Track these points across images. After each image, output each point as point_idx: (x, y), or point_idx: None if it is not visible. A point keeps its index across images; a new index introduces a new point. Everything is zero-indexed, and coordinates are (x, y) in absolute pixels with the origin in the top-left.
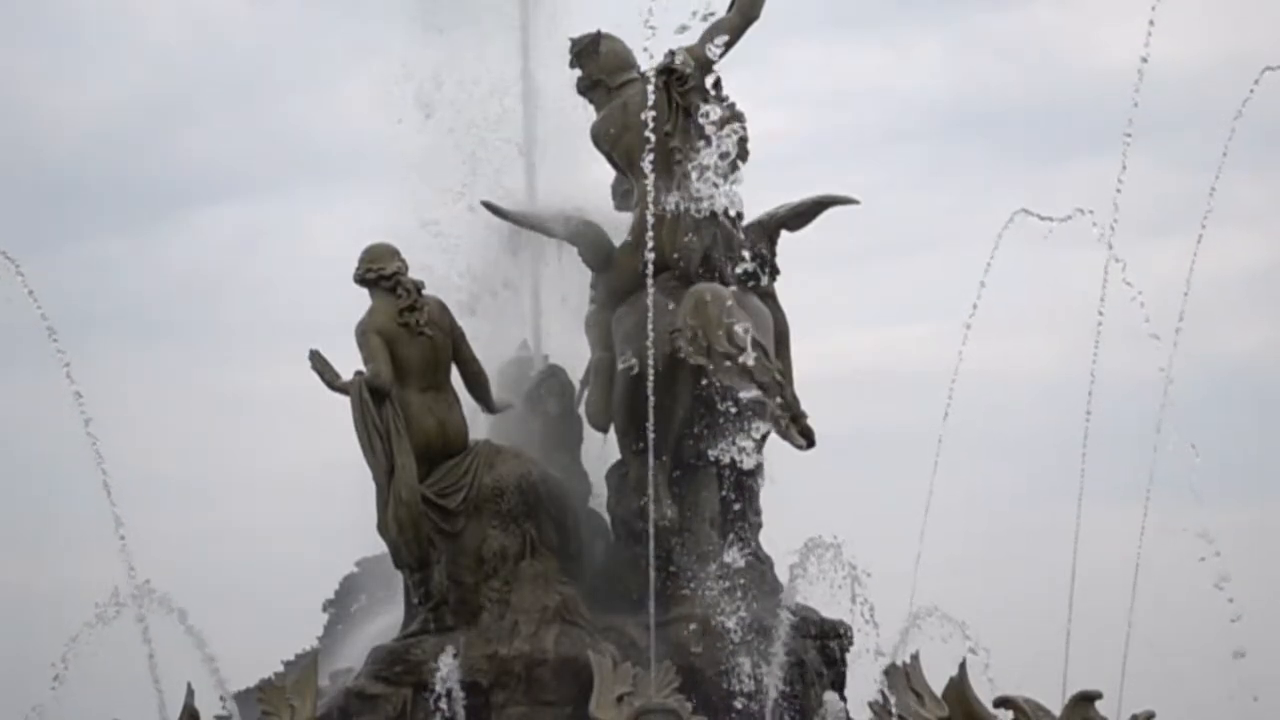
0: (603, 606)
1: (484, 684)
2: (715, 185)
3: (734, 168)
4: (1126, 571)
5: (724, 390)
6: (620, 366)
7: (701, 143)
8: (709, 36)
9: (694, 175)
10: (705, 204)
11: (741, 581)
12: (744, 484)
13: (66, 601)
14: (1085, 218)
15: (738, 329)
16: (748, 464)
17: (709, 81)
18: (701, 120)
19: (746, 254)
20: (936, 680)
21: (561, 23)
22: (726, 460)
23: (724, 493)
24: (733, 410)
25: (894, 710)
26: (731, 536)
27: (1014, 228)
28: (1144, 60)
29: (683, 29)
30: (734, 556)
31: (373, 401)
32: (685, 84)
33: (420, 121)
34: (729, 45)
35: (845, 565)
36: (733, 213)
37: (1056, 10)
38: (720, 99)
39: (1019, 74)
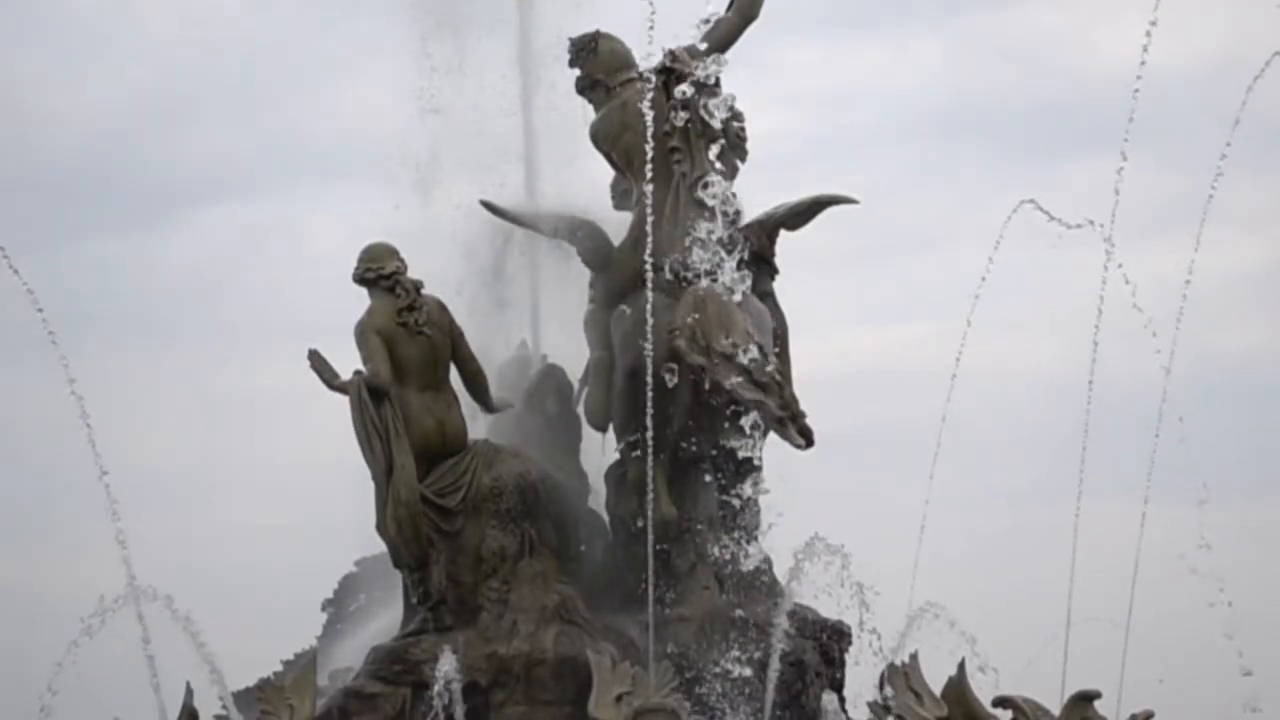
0: (601, 606)
1: (483, 683)
2: (720, 258)
3: (734, 169)
4: (1126, 570)
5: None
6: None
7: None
8: (708, 37)
9: (695, 249)
10: (705, 279)
11: (745, 691)
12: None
13: (66, 601)
14: (1096, 230)
15: (737, 328)
16: (745, 451)
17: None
18: (701, 194)
19: (754, 346)
20: (936, 679)
21: (563, 103)
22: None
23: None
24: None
25: (893, 710)
26: (735, 634)
27: (1019, 221)
28: (1143, 60)
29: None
30: (735, 664)
31: (371, 401)
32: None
33: (417, 206)
34: (728, 45)
35: (852, 584)
36: (737, 296)
37: (1056, 10)
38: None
39: (1019, 74)
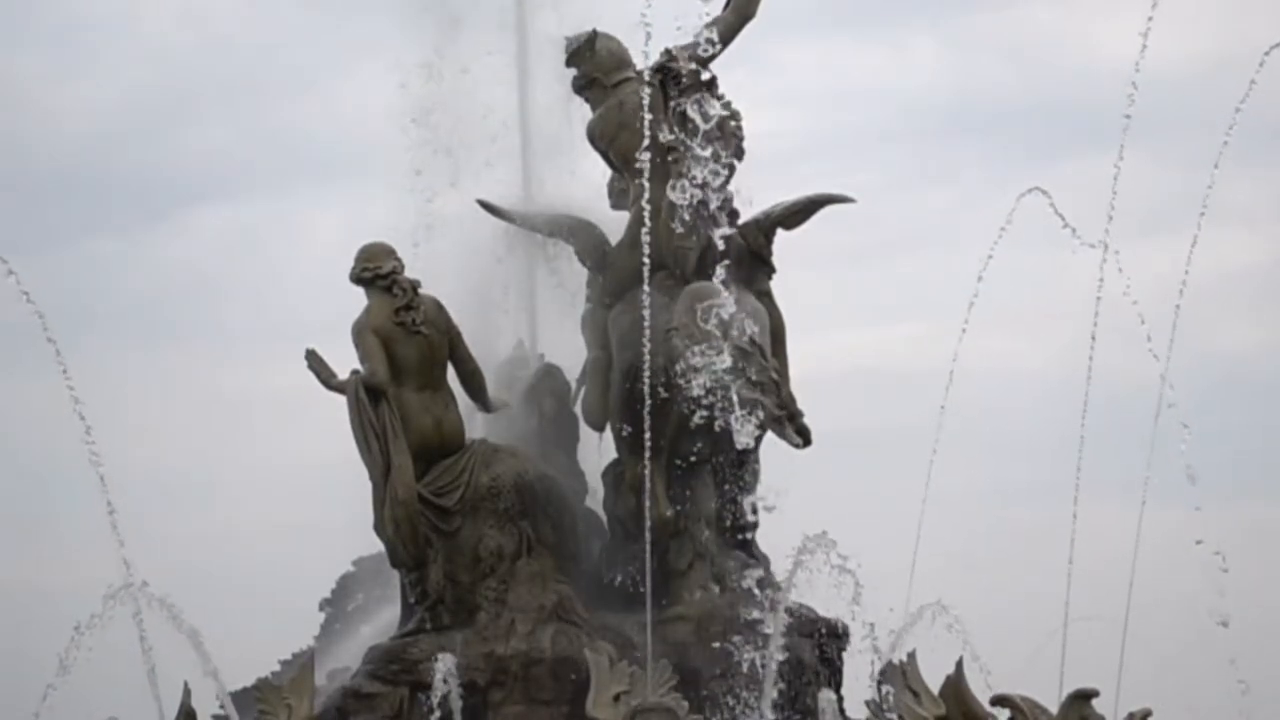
0: (599, 605)
1: (481, 683)
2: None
3: (731, 169)
4: (1123, 569)
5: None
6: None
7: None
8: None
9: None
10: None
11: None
12: (740, 483)
13: (66, 601)
14: (1098, 235)
15: (734, 328)
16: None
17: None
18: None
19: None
20: (934, 678)
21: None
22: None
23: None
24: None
25: (891, 709)
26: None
27: (1021, 217)
28: (1141, 58)
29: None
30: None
31: (369, 401)
32: (680, 83)
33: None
34: (725, 44)
35: (864, 625)
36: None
37: (1054, 9)
38: (716, 99)
39: (1016, 73)
